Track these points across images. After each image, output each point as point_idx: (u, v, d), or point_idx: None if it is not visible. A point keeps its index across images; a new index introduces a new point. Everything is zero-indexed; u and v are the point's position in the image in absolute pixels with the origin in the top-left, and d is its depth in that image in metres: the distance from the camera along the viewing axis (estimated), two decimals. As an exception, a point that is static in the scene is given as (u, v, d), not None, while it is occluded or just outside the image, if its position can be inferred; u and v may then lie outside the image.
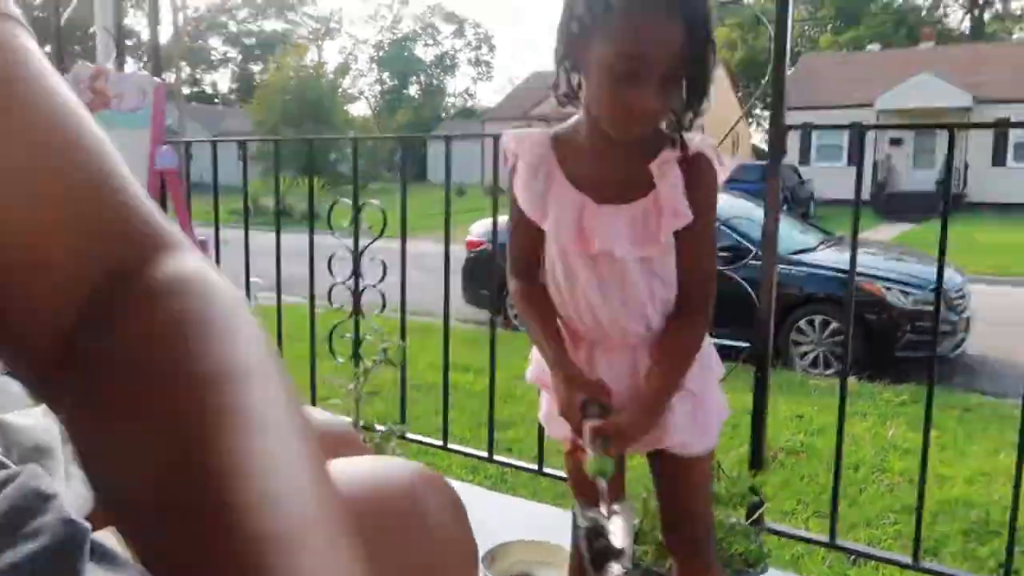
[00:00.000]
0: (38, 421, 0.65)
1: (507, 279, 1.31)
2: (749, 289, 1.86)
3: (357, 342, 2.24)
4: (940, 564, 2.08)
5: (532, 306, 1.28)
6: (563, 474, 2.29)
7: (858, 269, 1.84)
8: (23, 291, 0.41)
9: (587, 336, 1.27)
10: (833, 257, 6.05)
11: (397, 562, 0.59)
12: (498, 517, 2.20)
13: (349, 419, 1.63)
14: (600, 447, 1.13)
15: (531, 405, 4.28)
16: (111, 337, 0.41)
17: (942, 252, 1.70)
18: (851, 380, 1.84)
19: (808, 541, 2.02)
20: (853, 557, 2.48)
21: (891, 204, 19.59)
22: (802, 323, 5.77)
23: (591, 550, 1.06)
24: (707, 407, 1.27)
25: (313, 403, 2.52)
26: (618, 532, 1.06)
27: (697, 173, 1.18)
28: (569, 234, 1.21)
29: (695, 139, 1.18)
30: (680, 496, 1.34)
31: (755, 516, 1.79)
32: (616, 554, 1.04)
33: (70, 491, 0.58)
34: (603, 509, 1.08)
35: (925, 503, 1.80)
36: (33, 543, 0.40)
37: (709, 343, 1.30)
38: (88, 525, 0.44)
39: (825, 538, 1.91)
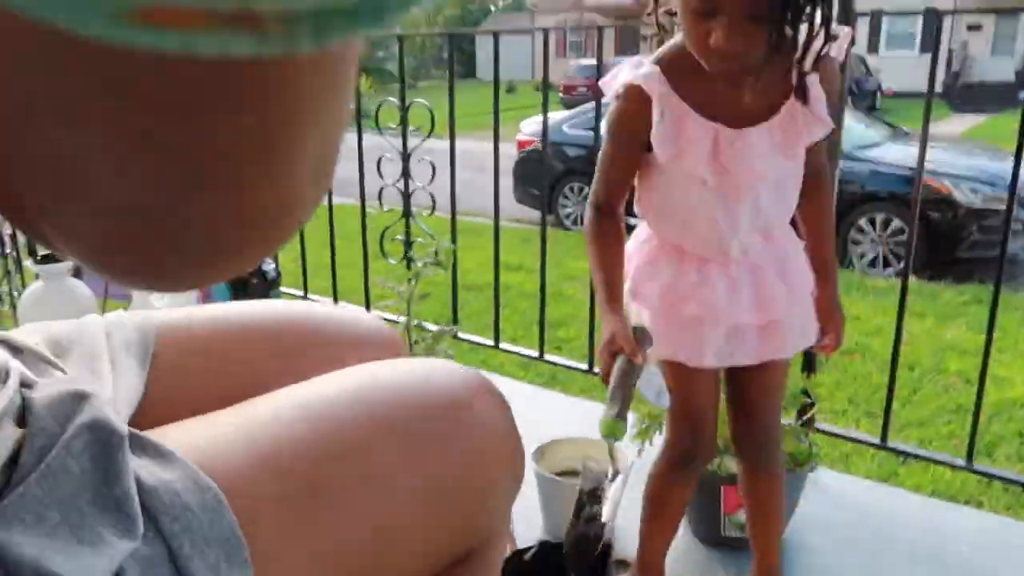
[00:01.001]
0: (89, 327, 0.67)
1: (587, 208, 1.28)
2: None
3: (408, 244, 2.25)
4: (993, 466, 2.06)
5: (604, 243, 1.24)
6: (613, 373, 2.32)
7: (925, 166, 1.76)
8: None
9: (702, 255, 1.25)
10: (898, 153, 5.80)
11: (446, 461, 0.61)
12: (548, 415, 2.25)
13: (401, 319, 1.66)
14: (617, 399, 1.13)
15: (581, 305, 4.30)
16: None
17: (1020, 146, 1.60)
18: (911, 280, 1.79)
19: (859, 442, 2.02)
20: (903, 460, 2.49)
21: (964, 95, 18.54)
22: (862, 222, 5.59)
23: (580, 509, 1.07)
24: (810, 303, 1.30)
25: (367, 305, 2.57)
26: (610, 502, 1.08)
27: (831, 76, 1.18)
28: (705, 166, 1.17)
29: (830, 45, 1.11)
30: (771, 399, 1.34)
31: (806, 417, 1.79)
32: (598, 527, 1.06)
33: (118, 393, 0.61)
34: (610, 470, 1.08)
35: (980, 409, 1.77)
36: (75, 438, 0.43)
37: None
38: (125, 426, 0.47)
39: (876, 439, 1.91)
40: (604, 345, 1.18)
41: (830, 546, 1.64)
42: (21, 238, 2.67)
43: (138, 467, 0.46)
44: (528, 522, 1.64)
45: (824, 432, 1.93)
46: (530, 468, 1.61)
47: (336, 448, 0.55)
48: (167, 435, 0.51)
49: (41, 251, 2.26)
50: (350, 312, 0.80)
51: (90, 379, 0.59)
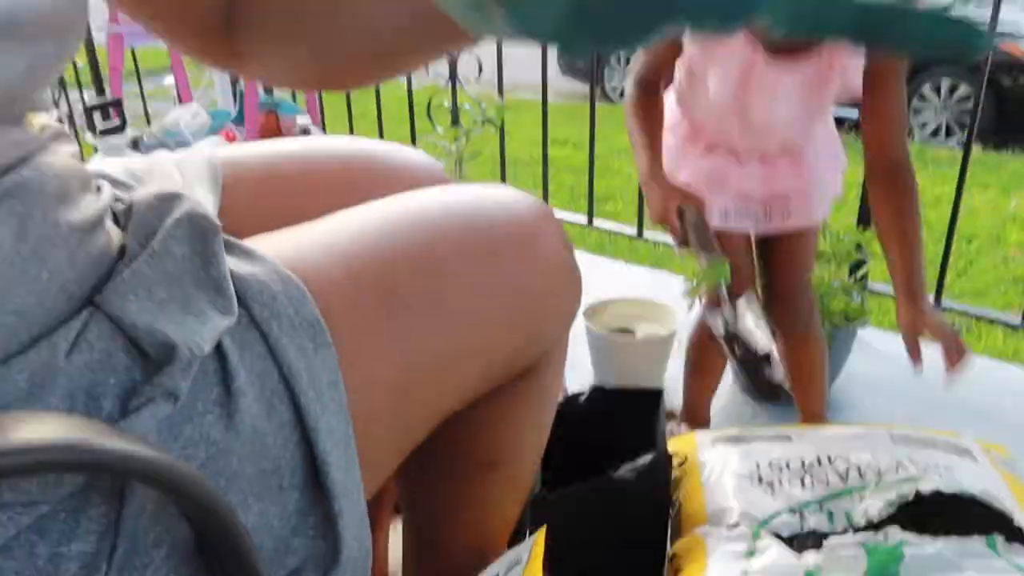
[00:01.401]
0: (161, 161, 0.69)
1: (628, 83, 1.28)
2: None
3: (455, 108, 2.23)
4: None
5: (645, 117, 1.25)
6: (662, 238, 2.32)
7: (998, 27, 1.65)
8: None
9: (729, 144, 1.27)
10: (969, 12, 5.42)
11: (513, 283, 0.63)
12: (597, 279, 2.28)
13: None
14: (706, 245, 1.13)
15: (628, 179, 4.23)
16: None
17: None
18: (975, 148, 1.72)
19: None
20: (955, 325, 2.47)
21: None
22: (926, 88, 5.32)
23: (737, 360, 1.10)
24: (827, 181, 1.29)
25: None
26: (753, 329, 1.08)
27: None
28: (730, 91, 1.18)
29: None
30: (794, 269, 1.35)
31: (859, 274, 1.78)
32: (764, 358, 1.07)
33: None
34: (727, 311, 1.09)
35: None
36: (176, 227, 0.47)
37: (836, 136, 1.30)
38: (218, 220, 0.50)
39: (929, 299, 1.89)
40: (662, 205, 1.17)
41: (877, 402, 1.67)
42: (80, 117, 2.71)
43: (227, 261, 0.49)
44: (579, 377, 1.69)
45: (876, 292, 1.92)
46: (581, 326, 1.65)
47: (411, 261, 0.57)
48: (248, 242, 0.54)
49: (101, 126, 2.30)
50: (404, 149, 0.81)
51: None
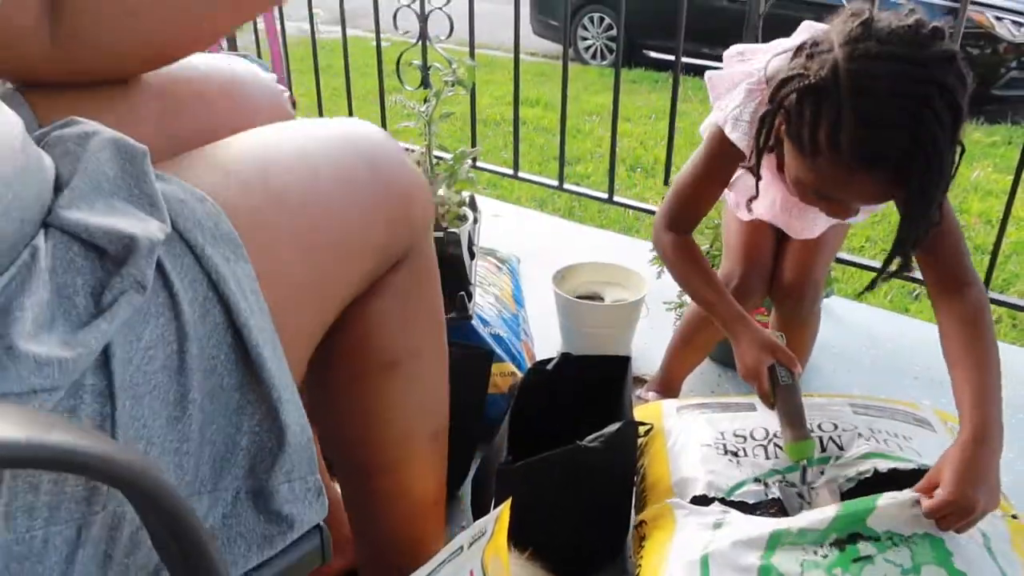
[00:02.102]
0: None
1: (658, 230, 1.21)
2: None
3: (425, 67, 2.18)
4: (1010, 297, 2.08)
5: (691, 259, 1.18)
6: (632, 203, 2.32)
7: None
8: None
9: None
10: (941, -17, 5.45)
11: (372, 193, 0.71)
12: (567, 243, 2.27)
13: (417, 148, 1.64)
14: (793, 418, 1.06)
15: (599, 141, 4.21)
16: None
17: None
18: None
19: (875, 270, 2.03)
20: (915, 293, 2.51)
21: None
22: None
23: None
24: None
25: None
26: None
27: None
28: (774, 214, 1.23)
29: None
30: (815, 260, 1.35)
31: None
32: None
33: None
34: (799, 489, 1.01)
35: (1000, 244, 1.76)
36: (101, 151, 0.50)
37: None
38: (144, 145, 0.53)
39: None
40: (754, 360, 1.10)
41: (838, 368, 1.70)
42: None
43: None
44: (548, 341, 1.69)
45: (841, 261, 1.94)
46: (550, 290, 1.64)
47: (292, 175, 0.65)
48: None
49: None
50: (257, 72, 0.85)
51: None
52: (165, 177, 0.56)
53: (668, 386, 1.50)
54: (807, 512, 0.92)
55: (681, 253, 1.18)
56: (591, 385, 1.23)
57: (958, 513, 0.84)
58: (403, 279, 0.77)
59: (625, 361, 1.21)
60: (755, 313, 1.57)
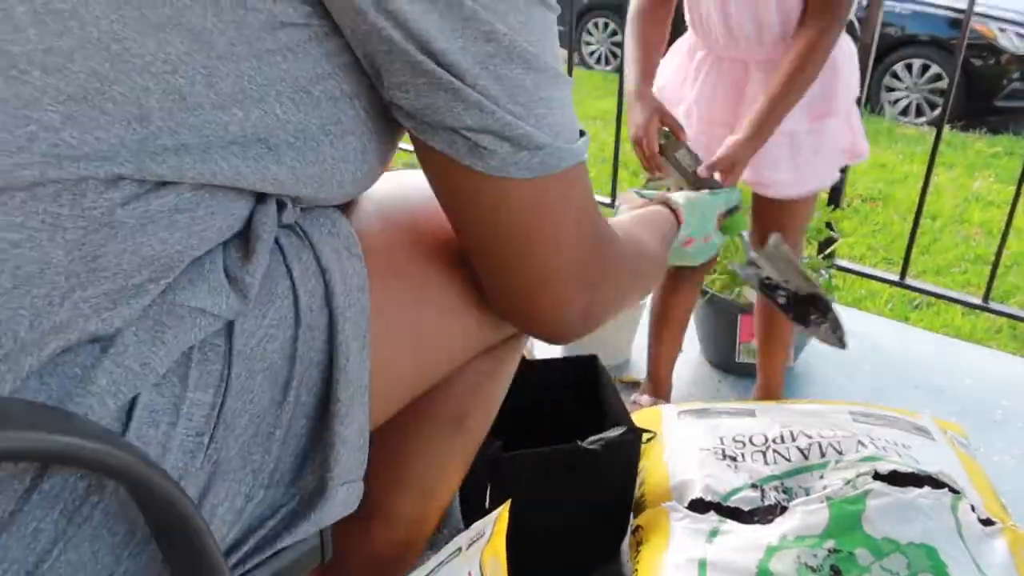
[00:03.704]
0: None
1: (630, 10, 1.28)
2: (855, 20, 1.71)
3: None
4: (1010, 307, 2.09)
5: (641, 25, 1.25)
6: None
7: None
8: None
9: (712, 50, 1.25)
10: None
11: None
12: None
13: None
14: (685, 173, 1.13)
15: (602, 146, 4.22)
16: None
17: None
18: (943, 128, 1.73)
19: (876, 279, 2.03)
20: (916, 302, 2.51)
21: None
22: (898, 67, 5.36)
23: (786, 307, 1.08)
24: (812, 148, 1.24)
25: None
26: (786, 273, 1.07)
27: None
28: None
29: None
30: (767, 232, 1.34)
31: (827, 251, 1.79)
32: (812, 300, 1.06)
33: None
34: (754, 258, 1.08)
35: (1001, 254, 1.76)
36: None
37: (844, 134, 1.25)
38: None
39: (894, 277, 1.92)
40: (643, 121, 1.17)
41: (838, 375, 1.69)
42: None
43: None
44: (542, 344, 1.69)
45: (843, 269, 1.94)
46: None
47: (433, 225, 0.64)
48: None
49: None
50: None
51: None
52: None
53: (657, 386, 1.51)
54: (799, 519, 0.92)
55: (636, 17, 1.25)
56: (565, 386, 1.22)
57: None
58: (506, 348, 0.74)
59: (592, 360, 1.21)
60: (752, 318, 1.57)
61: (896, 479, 0.97)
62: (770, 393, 1.50)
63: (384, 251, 0.60)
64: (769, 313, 1.42)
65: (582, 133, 0.57)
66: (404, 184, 0.67)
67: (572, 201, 0.56)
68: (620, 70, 2.14)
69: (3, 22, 0.40)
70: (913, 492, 0.92)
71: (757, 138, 1.14)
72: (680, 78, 1.31)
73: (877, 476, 0.95)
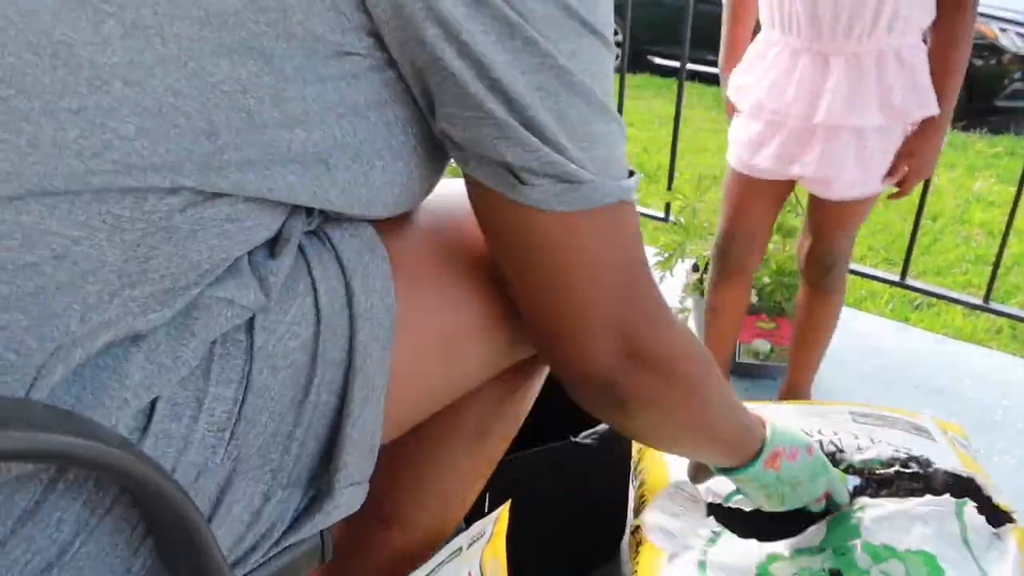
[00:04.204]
0: None
1: None
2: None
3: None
4: (1011, 307, 2.08)
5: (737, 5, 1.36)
6: (645, 211, 2.31)
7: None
8: None
9: (789, 45, 1.23)
10: None
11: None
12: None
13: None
14: None
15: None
16: None
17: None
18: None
19: (877, 279, 2.03)
20: (917, 303, 2.51)
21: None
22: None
23: None
24: (881, 148, 1.22)
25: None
26: None
27: None
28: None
29: None
30: (836, 231, 1.34)
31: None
32: None
33: None
34: None
35: (1002, 255, 1.76)
36: None
37: (915, 74, 1.20)
38: None
39: (895, 277, 1.92)
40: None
41: (839, 376, 1.69)
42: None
43: None
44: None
45: (844, 270, 1.94)
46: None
47: (465, 239, 0.64)
48: None
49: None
50: None
51: None
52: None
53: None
54: (798, 535, 0.92)
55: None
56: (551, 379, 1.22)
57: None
58: (532, 365, 0.73)
59: None
60: (755, 319, 1.57)
61: (902, 478, 0.97)
62: (797, 386, 1.51)
63: (417, 258, 0.61)
64: (812, 304, 1.43)
65: (631, 174, 0.56)
66: (446, 194, 0.66)
67: (615, 241, 0.54)
68: (620, 70, 2.14)
69: (93, 35, 0.42)
70: (911, 502, 0.92)
71: (936, 133, 1.21)
72: (754, 77, 1.29)
73: (878, 479, 0.95)
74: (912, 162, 1.23)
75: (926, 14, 1.17)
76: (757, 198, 1.33)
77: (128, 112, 0.43)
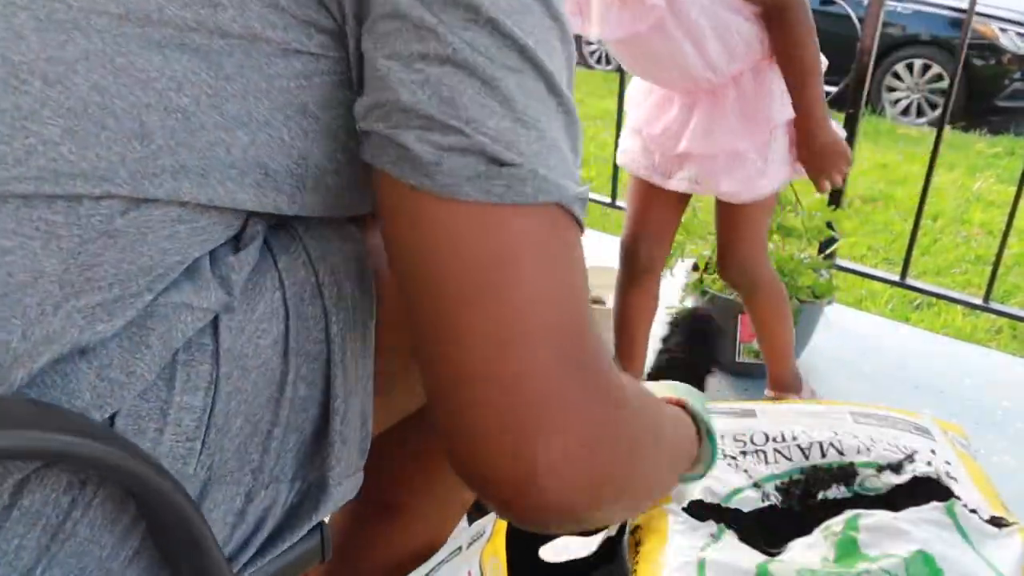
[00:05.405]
0: None
1: None
2: (855, 19, 1.70)
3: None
4: (1011, 307, 2.08)
5: None
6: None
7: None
8: None
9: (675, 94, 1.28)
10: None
11: None
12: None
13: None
14: None
15: (603, 146, 4.22)
16: None
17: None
18: (944, 129, 1.73)
19: (877, 279, 2.03)
20: (916, 303, 2.51)
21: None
22: (899, 67, 5.36)
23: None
24: (757, 167, 1.25)
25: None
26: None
27: None
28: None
29: None
30: (736, 236, 1.36)
31: (828, 251, 1.79)
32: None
33: None
34: None
35: (1002, 254, 1.76)
36: None
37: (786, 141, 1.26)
38: None
39: (895, 277, 1.92)
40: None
41: (839, 375, 1.70)
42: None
43: None
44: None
45: (843, 269, 1.94)
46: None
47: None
48: None
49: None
50: None
51: None
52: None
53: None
54: (798, 552, 0.92)
55: None
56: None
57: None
58: None
59: None
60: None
61: (894, 493, 0.97)
62: (782, 386, 1.50)
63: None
64: (752, 308, 1.44)
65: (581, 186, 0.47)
66: None
67: (555, 262, 0.42)
68: (620, 69, 2.14)
69: (4, 29, 0.39)
70: (901, 513, 0.92)
71: (817, 127, 1.21)
72: (642, 94, 1.35)
73: (871, 497, 0.95)
74: (806, 164, 1.26)
75: (747, 47, 1.20)
76: (657, 200, 1.36)
77: (51, 113, 0.40)
